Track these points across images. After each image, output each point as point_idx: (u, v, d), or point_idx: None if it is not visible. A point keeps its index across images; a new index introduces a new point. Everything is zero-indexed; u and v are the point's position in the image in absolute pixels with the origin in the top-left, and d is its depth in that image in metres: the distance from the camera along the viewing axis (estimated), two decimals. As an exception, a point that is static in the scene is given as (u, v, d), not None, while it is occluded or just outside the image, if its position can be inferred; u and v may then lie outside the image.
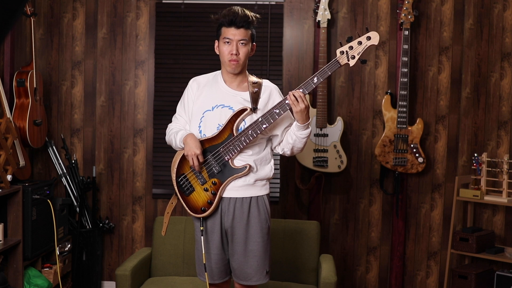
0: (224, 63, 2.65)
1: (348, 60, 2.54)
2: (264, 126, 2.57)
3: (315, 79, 2.54)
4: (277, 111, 2.56)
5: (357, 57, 2.54)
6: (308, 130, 2.61)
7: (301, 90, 2.53)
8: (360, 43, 2.54)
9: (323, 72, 2.54)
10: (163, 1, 4.23)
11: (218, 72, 2.75)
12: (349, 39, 2.55)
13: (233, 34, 2.60)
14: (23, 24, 4.13)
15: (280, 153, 2.76)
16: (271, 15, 4.15)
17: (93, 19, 4.25)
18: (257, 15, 2.67)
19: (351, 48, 2.54)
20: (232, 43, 2.60)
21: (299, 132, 2.61)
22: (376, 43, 2.55)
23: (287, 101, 2.56)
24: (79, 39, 4.27)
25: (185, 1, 4.21)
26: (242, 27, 2.59)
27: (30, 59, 3.94)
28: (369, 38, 2.54)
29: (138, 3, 4.23)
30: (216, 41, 2.69)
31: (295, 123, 2.60)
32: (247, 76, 2.71)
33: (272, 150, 2.77)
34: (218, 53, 2.69)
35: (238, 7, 2.64)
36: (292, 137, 2.64)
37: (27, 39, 4.14)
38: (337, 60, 2.54)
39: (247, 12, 2.62)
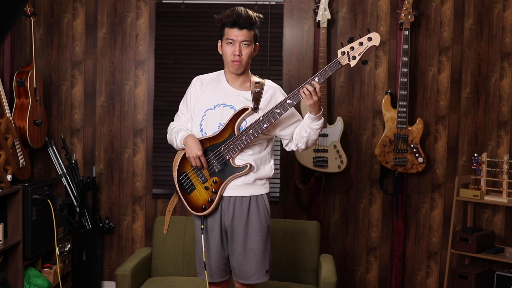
0: (227, 64, 2.66)
1: (349, 61, 2.55)
2: (265, 125, 2.58)
3: (316, 79, 2.54)
4: (278, 110, 2.57)
5: (358, 58, 2.55)
6: (321, 121, 2.62)
7: (316, 79, 2.53)
8: (361, 44, 2.55)
9: (324, 72, 2.54)
10: (163, 1, 4.23)
11: (221, 71, 2.76)
12: (350, 40, 2.56)
13: (236, 35, 2.60)
14: (23, 24, 4.13)
15: (294, 149, 2.74)
16: (271, 15, 4.15)
17: (93, 19, 4.25)
18: (260, 15, 2.67)
19: (352, 48, 2.54)
20: (235, 44, 2.61)
21: (312, 124, 2.61)
22: (377, 44, 2.56)
23: (288, 101, 2.57)
24: (79, 39, 4.27)
25: (185, 1, 4.21)
26: (245, 28, 2.60)
27: (30, 59, 3.94)
28: (370, 39, 2.55)
29: (138, 3, 4.23)
30: (219, 41, 2.69)
31: (307, 115, 2.60)
32: (249, 76, 2.72)
33: (272, 150, 2.77)
34: (221, 53, 2.69)
35: (241, 7, 2.64)
36: (306, 130, 2.64)
37: (27, 39, 4.14)
38: (338, 61, 2.55)
39: (250, 12, 2.62)
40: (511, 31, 4.10)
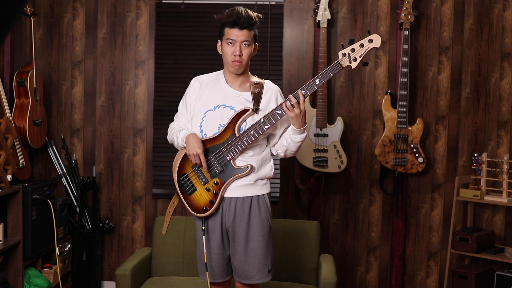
0: (227, 64, 2.66)
1: (350, 63, 2.55)
2: (266, 127, 2.58)
3: (317, 81, 2.54)
4: (279, 112, 2.57)
5: (359, 60, 2.55)
6: (304, 135, 2.62)
7: (303, 91, 2.54)
8: (362, 45, 2.55)
9: (325, 74, 2.55)
10: (163, 1, 4.23)
11: (221, 72, 2.76)
12: (351, 41, 2.56)
13: (236, 35, 2.60)
14: (23, 24, 4.13)
15: (274, 153, 2.77)
16: (271, 15, 4.15)
17: (93, 19, 4.25)
18: (260, 15, 2.67)
19: (353, 50, 2.55)
20: (235, 44, 2.60)
21: (294, 136, 2.62)
22: (378, 46, 2.56)
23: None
24: (79, 39, 4.27)
25: (185, 1, 4.21)
26: (245, 28, 2.59)
27: (30, 59, 3.94)
28: (371, 41, 2.55)
29: (138, 3, 4.23)
30: (219, 40, 2.69)
31: (291, 126, 2.61)
32: (249, 76, 2.72)
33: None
34: (220, 52, 2.69)
35: (241, 7, 2.63)
36: (287, 140, 2.66)
37: (27, 39, 4.14)
38: (339, 62, 2.55)
39: (250, 12, 2.62)
40: (511, 31, 4.09)
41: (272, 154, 2.79)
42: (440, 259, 4.21)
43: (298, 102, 2.51)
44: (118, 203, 4.30)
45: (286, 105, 2.51)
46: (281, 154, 2.74)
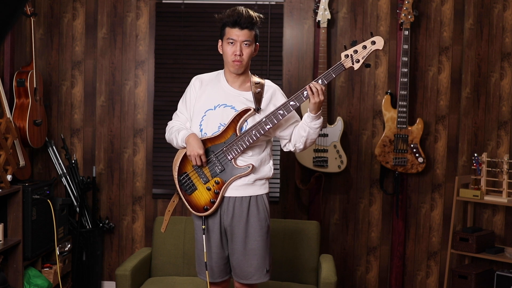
0: (228, 63, 2.66)
1: (353, 64, 2.56)
2: (268, 126, 2.58)
3: (320, 82, 2.56)
4: (281, 112, 2.58)
5: (361, 61, 2.57)
6: (321, 120, 2.63)
7: (320, 82, 2.55)
8: (364, 47, 2.57)
9: (327, 75, 2.56)
10: (163, 1, 4.23)
11: (221, 71, 2.76)
12: (354, 43, 2.57)
13: (237, 35, 2.60)
14: (23, 24, 4.13)
15: (292, 149, 2.75)
16: (271, 15, 4.15)
17: (93, 19, 4.25)
18: (261, 15, 2.68)
19: (355, 52, 2.56)
20: (236, 44, 2.61)
21: (312, 123, 2.61)
22: (381, 48, 2.58)
23: (291, 103, 2.57)
24: (79, 39, 4.27)
25: (185, 1, 4.21)
26: (246, 28, 2.60)
27: (30, 59, 3.94)
28: (373, 43, 2.57)
29: (138, 3, 4.23)
30: (220, 40, 2.69)
31: (307, 114, 2.60)
32: (249, 76, 2.72)
33: (271, 150, 2.78)
34: (221, 52, 2.70)
35: (242, 7, 2.64)
36: (305, 129, 2.64)
37: (27, 39, 4.14)
38: (342, 64, 2.56)
39: (251, 12, 2.63)
40: (511, 31, 4.09)
41: (289, 151, 2.79)
42: (440, 259, 4.21)
43: (322, 89, 2.52)
44: (118, 203, 4.30)
45: (311, 90, 2.51)
46: (301, 146, 2.71)
